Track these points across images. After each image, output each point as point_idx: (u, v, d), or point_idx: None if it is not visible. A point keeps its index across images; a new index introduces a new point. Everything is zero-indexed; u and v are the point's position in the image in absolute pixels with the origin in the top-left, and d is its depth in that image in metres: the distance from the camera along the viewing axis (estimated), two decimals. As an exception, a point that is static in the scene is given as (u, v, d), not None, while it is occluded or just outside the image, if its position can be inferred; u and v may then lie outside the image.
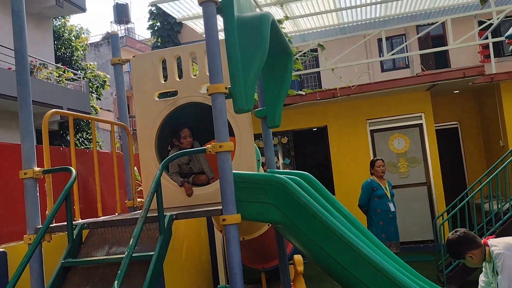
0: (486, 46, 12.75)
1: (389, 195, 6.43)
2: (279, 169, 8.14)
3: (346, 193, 8.54)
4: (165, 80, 3.79)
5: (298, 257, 5.18)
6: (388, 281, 2.80)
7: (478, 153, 10.82)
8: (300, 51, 10.01)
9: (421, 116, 9.16)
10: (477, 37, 10.34)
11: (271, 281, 6.25)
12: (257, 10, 7.59)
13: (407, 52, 15.00)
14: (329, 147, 9.51)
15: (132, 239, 2.43)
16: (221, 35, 2.75)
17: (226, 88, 2.73)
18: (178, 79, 3.76)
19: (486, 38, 9.98)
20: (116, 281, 2.26)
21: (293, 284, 5.11)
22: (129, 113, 4.34)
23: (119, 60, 4.01)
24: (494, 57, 10.05)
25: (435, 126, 9.23)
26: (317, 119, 9.59)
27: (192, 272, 5.96)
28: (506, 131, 9.06)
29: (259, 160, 3.99)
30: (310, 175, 3.79)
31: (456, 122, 11.09)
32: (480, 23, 11.08)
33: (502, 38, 8.48)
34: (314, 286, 6.76)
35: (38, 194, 2.95)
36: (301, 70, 9.86)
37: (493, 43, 10.01)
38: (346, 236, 2.85)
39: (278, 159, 9.82)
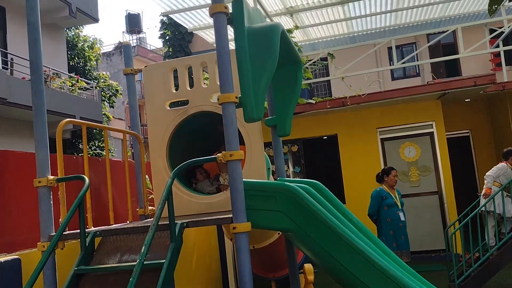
0: (497, 54, 12.69)
1: (399, 204, 6.37)
2: (289, 177, 8.15)
3: (356, 202, 8.48)
4: (176, 90, 3.84)
5: (308, 266, 5.15)
6: (399, 290, 2.79)
7: (490, 161, 10.69)
8: (310, 60, 10.04)
9: (432, 124, 9.12)
10: (488, 45, 10.31)
11: (282, 290, 6.22)
12: (267, 20, 7.64)
13: (417, 60, 14.96)
14: (340, 156, 9.49)
15: (143, 246, 2.46)
16: (232, 45, 2.78)
17: (236, 97, 2.75)
18: (189, 89, 3.81)
19: (498, 46, 9.94)
20: (128, 288, 2.29)
21: (303, 293, 5.08)
22: (140, 122, 4.39)
23: (132, 70, 4.07)
24: (506, 65, 10.00)
25: (447, 135, 9.17)
26: (327, 128, 9.58)
27: (202, 280, 5.97)
28: (518, 139, 8.99)
29: (269, 169, 4.01)
30: (320, 183, 3.79)
31: (467, 131, 11.02)
32: (491, 31, 11.03)
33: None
34: (325, 295, 6.72)
35: (51, 202, 3.00)
36: (311, 79, 9.88)
37: (505, 51, 9.97)
38: (356, 244, 2.85)
39: (288, 168, 9.82)
